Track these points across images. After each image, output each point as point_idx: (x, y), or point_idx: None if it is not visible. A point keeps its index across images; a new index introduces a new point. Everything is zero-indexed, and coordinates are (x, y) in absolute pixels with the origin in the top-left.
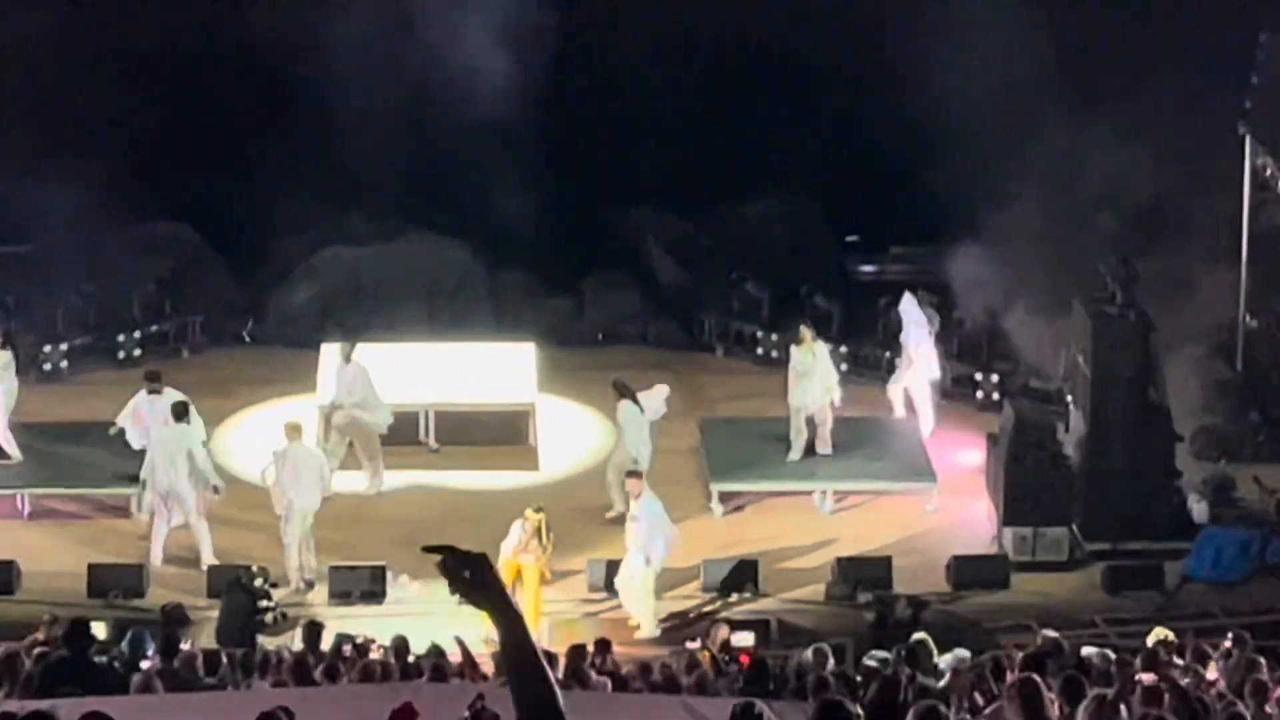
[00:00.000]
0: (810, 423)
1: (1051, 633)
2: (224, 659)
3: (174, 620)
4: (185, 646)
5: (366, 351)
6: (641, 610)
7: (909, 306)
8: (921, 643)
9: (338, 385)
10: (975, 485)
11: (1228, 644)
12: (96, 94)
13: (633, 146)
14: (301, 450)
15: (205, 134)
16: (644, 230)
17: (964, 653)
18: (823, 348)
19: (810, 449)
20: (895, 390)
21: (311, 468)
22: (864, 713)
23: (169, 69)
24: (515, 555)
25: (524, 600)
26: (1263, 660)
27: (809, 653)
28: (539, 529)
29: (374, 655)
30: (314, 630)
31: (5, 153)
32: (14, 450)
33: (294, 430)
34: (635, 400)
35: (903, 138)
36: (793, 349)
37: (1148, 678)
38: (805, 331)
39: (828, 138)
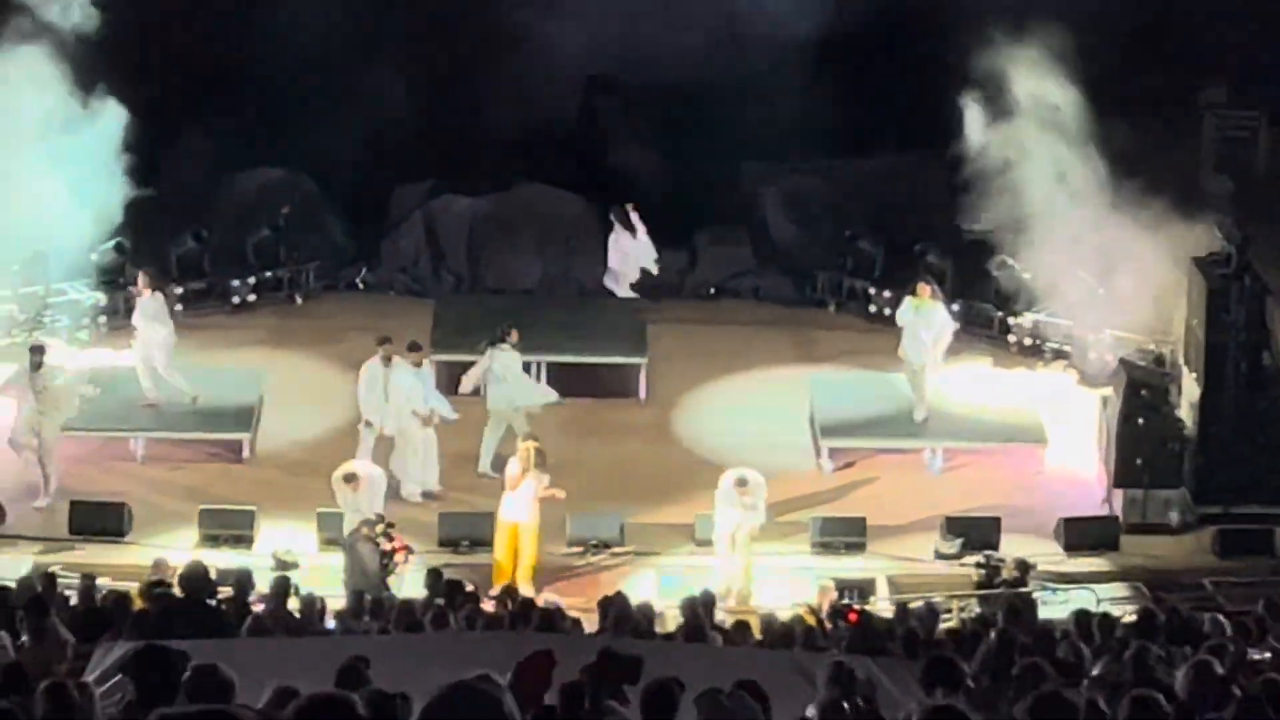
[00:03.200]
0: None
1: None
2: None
3: (286, 565)
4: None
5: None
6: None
7: None
8: (1026, 602)
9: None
10: (1087, 447)
11: None
12: (218, 40)
13: (750, 100)
14: None
15: (322, 81)
16: (759, 184)
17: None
18: (933, 308)
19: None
20: None
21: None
22: (975, 670)
23: (289, 15)
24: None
25: (521, 562)
26: None
27: (917, 610)
28: (528, 458)
29: (485, 605)
30: (436, 577)
31: (131, 99)
32: (184, 385)
33: None
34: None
35: None
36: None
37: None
38: (922, 286)
39: (946, 93)
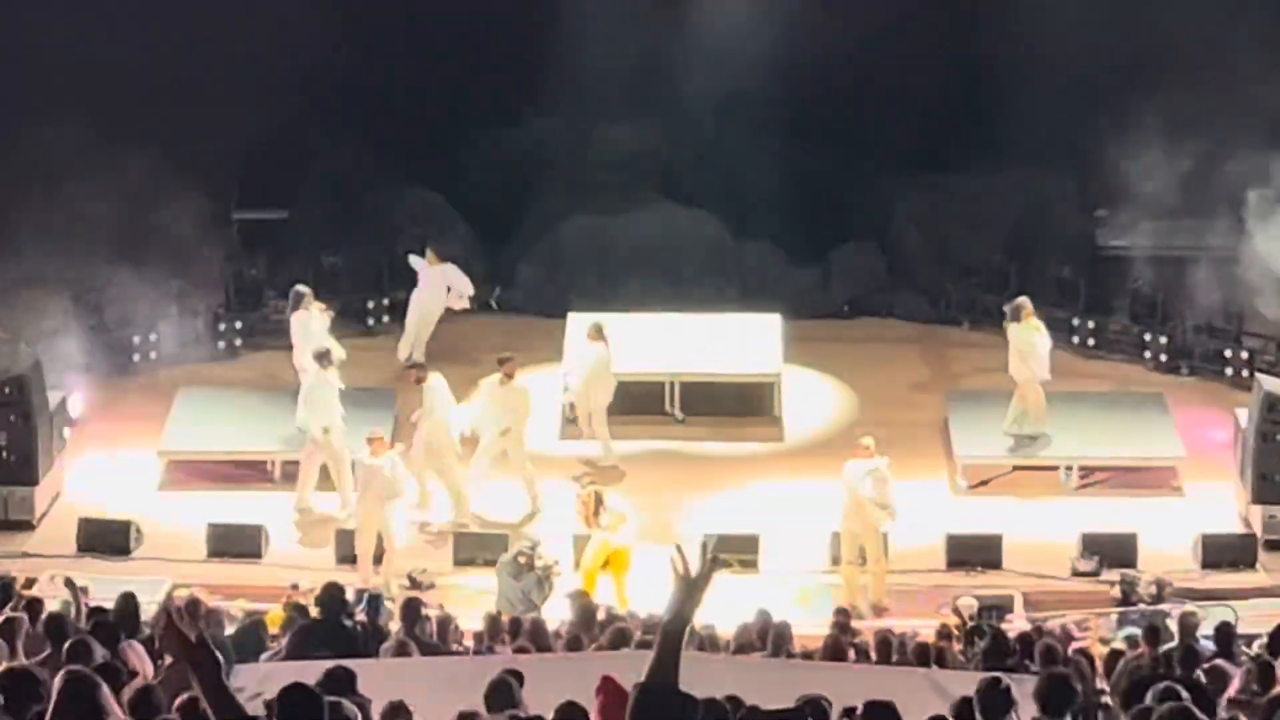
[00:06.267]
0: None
1: None
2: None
3: (419, 586)
4: (425, 612)
5: (612, 321)
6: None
7: None
8: (1164, 621)
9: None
10: (1224, 462)
11: None
12: (348, 64)
13: (883, 116)
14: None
15: (456, 102)
16: (892, 201)
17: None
18: (1019, 329)
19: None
20: None
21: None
22: (1111, 689)
23: (425, 36)
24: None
25: (613, 581)
26: None
27: (1050, 629)
28: (584, 508)
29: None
30: (583, 600)
31: (266, 121)
32: None
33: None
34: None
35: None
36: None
37: None
38: (1026, 310)
39: (1079, 110)
